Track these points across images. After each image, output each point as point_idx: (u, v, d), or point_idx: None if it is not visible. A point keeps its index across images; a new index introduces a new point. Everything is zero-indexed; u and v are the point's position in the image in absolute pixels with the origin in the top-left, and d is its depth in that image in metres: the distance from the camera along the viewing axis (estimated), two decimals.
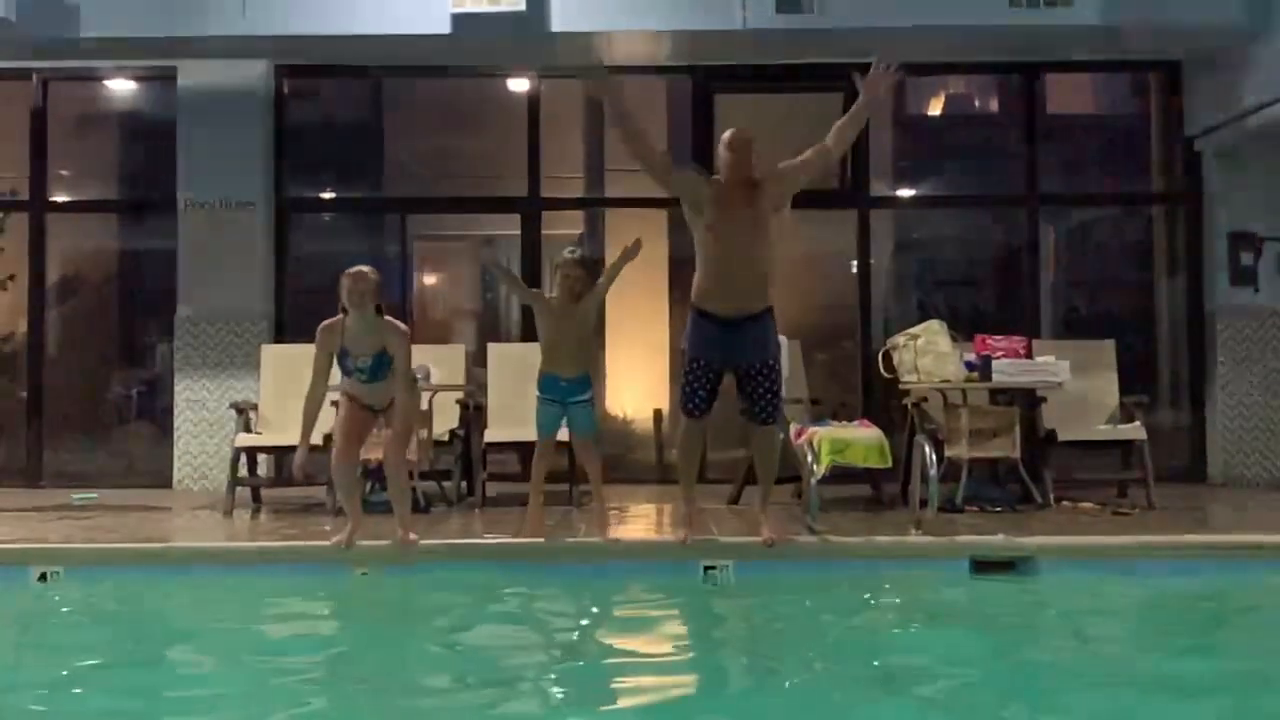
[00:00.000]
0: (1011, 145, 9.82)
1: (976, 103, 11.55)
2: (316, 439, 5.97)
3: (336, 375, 5.96)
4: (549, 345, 6.20)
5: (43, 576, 5.48)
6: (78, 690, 3.92)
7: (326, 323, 5.93)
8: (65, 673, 4.08)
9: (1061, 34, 8.38)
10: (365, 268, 5.93)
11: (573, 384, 6.17)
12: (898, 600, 5.46)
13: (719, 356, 5.61)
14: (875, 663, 4.21)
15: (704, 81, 9.47)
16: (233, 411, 8.09)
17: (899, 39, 8.57)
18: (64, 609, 5.31)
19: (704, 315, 5.57)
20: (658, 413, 10.08)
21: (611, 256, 10.78)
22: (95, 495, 8.45)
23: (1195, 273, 9.43)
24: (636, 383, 10.21)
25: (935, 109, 11.38)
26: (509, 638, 4.68)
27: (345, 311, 5.85)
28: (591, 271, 6.27)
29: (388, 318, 5.95)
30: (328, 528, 7.02)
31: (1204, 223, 9.36)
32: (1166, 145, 9.68)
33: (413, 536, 5.89)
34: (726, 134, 5.56)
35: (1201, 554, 5.68)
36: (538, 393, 6.21)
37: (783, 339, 8.33)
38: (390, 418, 5.95)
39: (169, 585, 5.52)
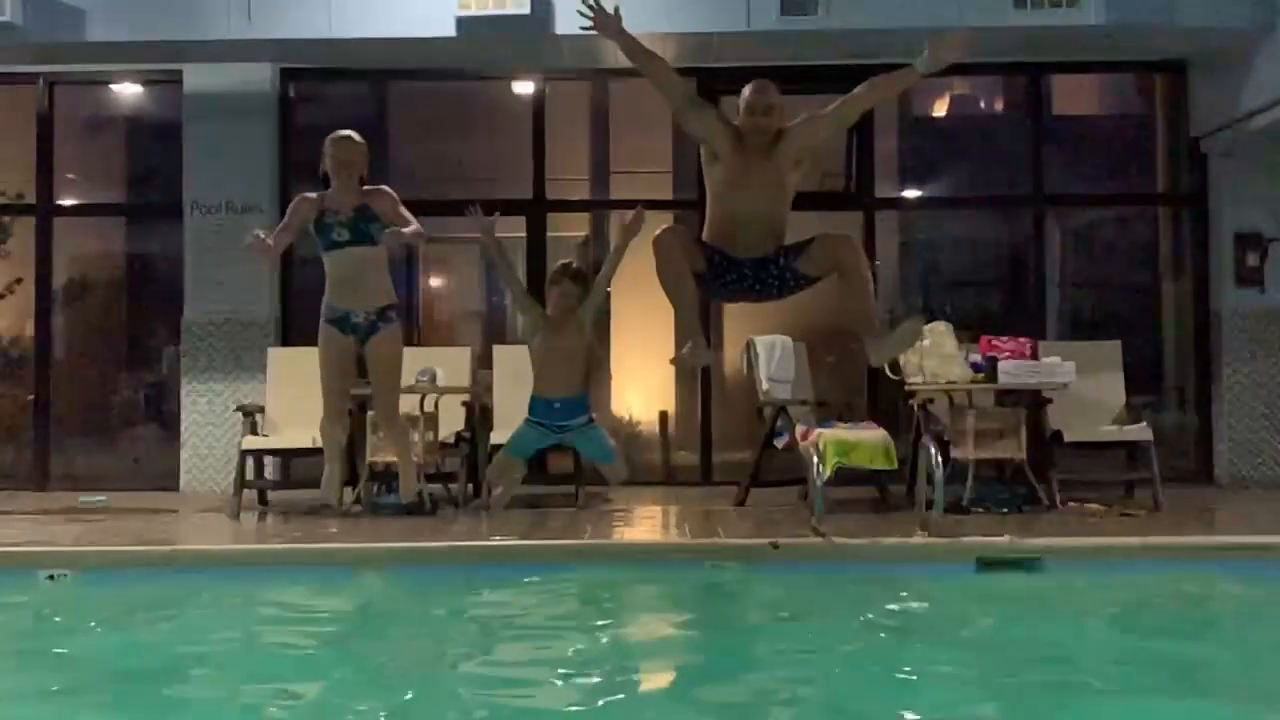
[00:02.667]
0: (1017, 146, 9.81)
1: (981, 103, 11.55)
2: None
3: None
4: (541, 363, 5.52)
5: (51, 578, 5.49)
6: (85, 693, 3.93)
7: (307, 196, 5.65)
8: (73, 675, 4.09)
9: (1067, 34, 8.37)
10: (352, 132, 5.63)
11: (568, 406, 5.47)
12: (903, 602, 5.45)
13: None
14: (881, 664, 4.21)
15: (709, 83, 9.44)
16: (239, 414, 8.10)
17: (905, 40, 8.58)
18: (72, 611, 5.32)
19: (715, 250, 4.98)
20: (664, 414, 10.09)
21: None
22: (103, 498, 8.47)
23: (1201, 273, 9.42)
24: (642, 385, 10.21)
25: (940, 110, 11.38)
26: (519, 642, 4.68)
27: (326, 183, 5.57)
28: (589, 285, 5.65)
29: (371, 186, 5.64)
30: (334, 530, 7.05)
31: (1210, 223, 9.35)
32: (1172, 146, 9.67)
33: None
34: (748, 92, 5.11)
35: (1208, 555, 5.67)
36: (526, 415, 5.56)
37: (789, 340, 8.40)
38: (377, 357, 5.62)
39: (177, 588, 5.52)
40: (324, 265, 5.67)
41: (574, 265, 5.62)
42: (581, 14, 4.94)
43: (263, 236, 5.48)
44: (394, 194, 5.66)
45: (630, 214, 5.57)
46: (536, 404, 5.50)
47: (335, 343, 5.60)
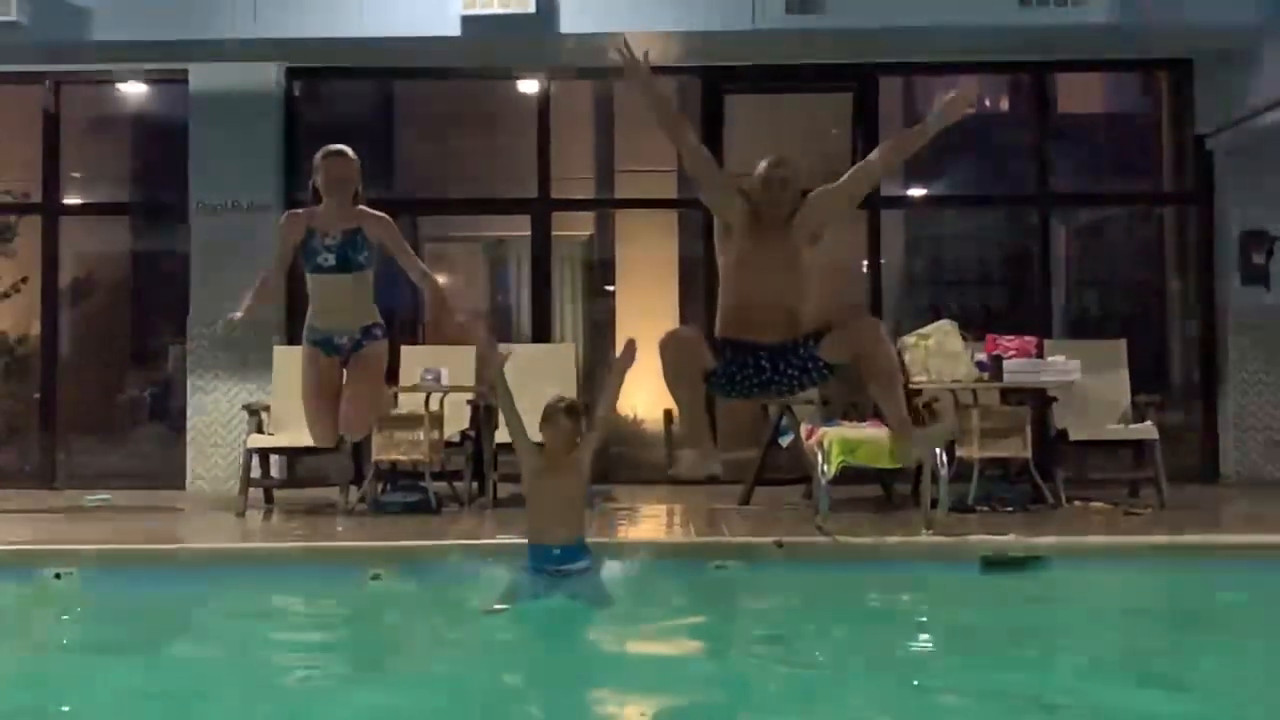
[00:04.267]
0: (1022, 145, 9.81)
1: (987, 102, 11.54)
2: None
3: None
4: (536, 505, 4.92)
5: (56, 576, 5.51)
6: (90, 691, 3.94)
7: (294, 212, 5.35)
8: (78, 673, 4.10)
9: (1072, 33, 8.36)
10: (345, 147, 5.32)
11: (567, 552, 4.86)
12: (908, 601, 5.46)
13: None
14: (887, 662, 4.21)
15: (714, 82, 9.47)
16: (245, 413, 8.11)
17: (910, 38, 8.59)
18: (77, 610, 5.33)
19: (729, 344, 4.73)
20: (668, 413, 10.07)
21: (622, 256, 10.94)
22: (108, 496, 8.49)
23: (1207, 272, 9.40)
24: (646, 383, 10.21)
25: None
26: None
27: (317, 199, 5.27)
28: (583, 419, 5.04)
29: (365, 206, 5.34)
30: (340, 529, 7.06)
31: (1215, 222, 9.34)
32: (1177, 144, 9.65)
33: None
34: (764, 165, 4.82)
35: (1214, 554, 5.67)
36: (524, 562, 4.91)
37: None
38: (359, 364, 5.33)
39: (182, 586, 5.54)
40: (307, 284, 5.43)
41: (567, 402, 5.03)
42: (617, 55, 4.69)
43: (235, 318, 5.39)
44: (392, 222, 5.38)
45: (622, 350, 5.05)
46: (535, 551, 4.86)
47: (318, 364, 5.38)
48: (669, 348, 4.49)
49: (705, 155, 4.92)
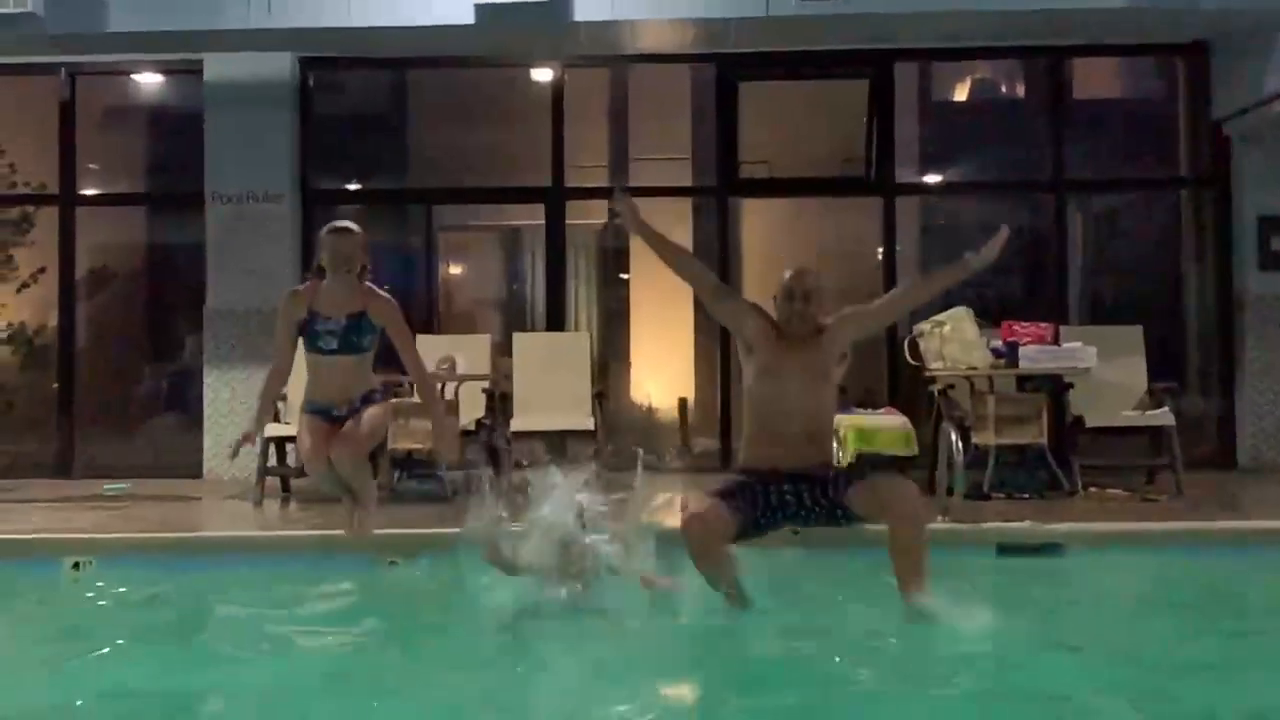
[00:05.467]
0: (1038, 130, 9.77)
1: (1002, 88, 11.49)
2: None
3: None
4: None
5: (75, 566, 5.54)
6: (110, 679, 3.96)
7: (296, 290, 5.21)
8: (97, 662, 4.12)
9: (1088, 17, 8.32)
10: (350, 223, 5.19)
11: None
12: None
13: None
14: (899, 651, 4.21)
15: (728, 69, 9.45)
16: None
17: (925, 24, 8.56)
18: (96, 598, 5.36)
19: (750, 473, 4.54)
20: (682, 401, 10.10)
21: (636, 245, 10.90)
22: (126, 485, 8.54)
23: (1224, 257, 9.36)
24: (661, 371, 10.22)
25: (961, 94, 11.33)
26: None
27: (321, 275, 5.13)
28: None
29: (371, 285, 5.20)
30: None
31: (1232, 207, 9.29)
32: (1194, 129, 9.60)
33: (369, 521, 5.35)
34: (787, 277, 4.65)
35: (1230, 540, 5.65)
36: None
37: None
38: (359, 414, 5.17)
39: (200, 574, 5.56)
40: (305, 358, 5.25)
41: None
42: (610, 212, 4.71)
43: (249, 436, 5.21)
44: (397, 307, 5.22)
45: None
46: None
47: (316, 428, 5.20)
48: (693, 532, 4.27)
49: (714, 283, 4.88)
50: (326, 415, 5.20)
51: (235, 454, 5.28)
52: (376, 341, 5.24)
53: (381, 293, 5.19)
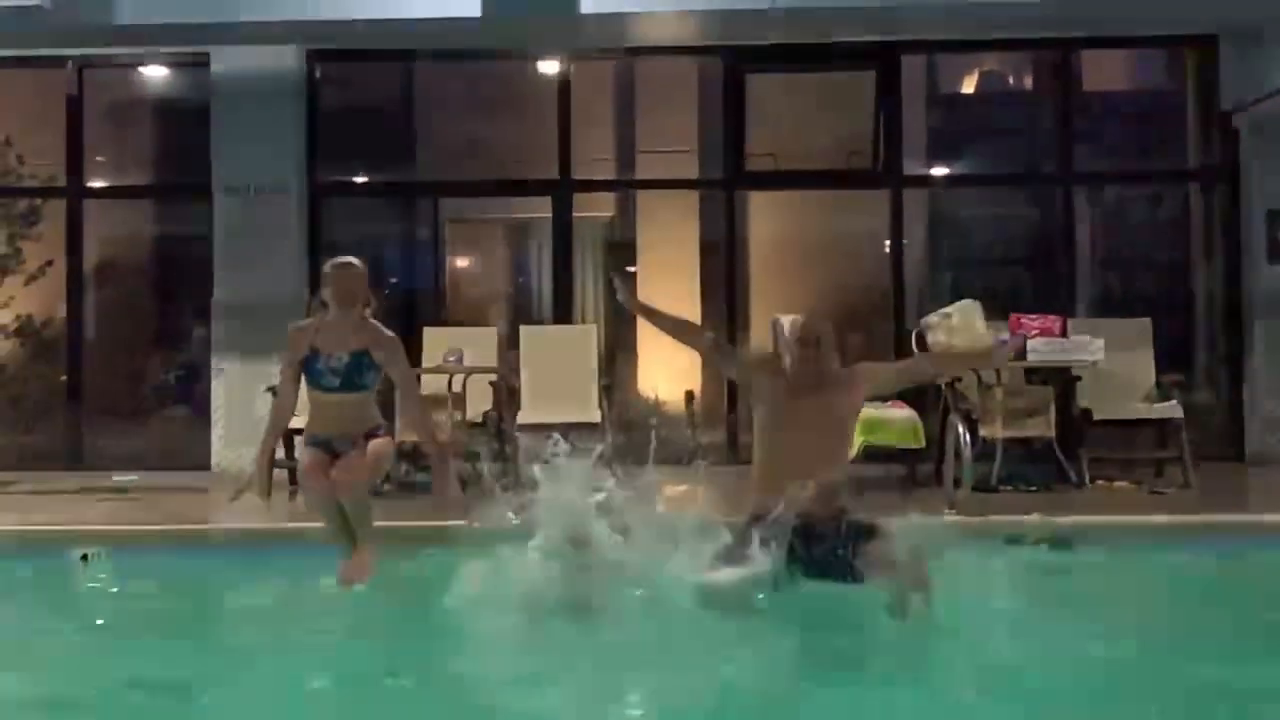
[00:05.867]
0: (1046, 123, 9.75)
1: (1010, 80, 11.46)
2: None
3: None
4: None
5: (84, 557, 5.56)
6: (119, 669, 3.98)
7: (297, 324, 5.20)
8: (106, 652, 4.14)
9: (1097, 8, 8.29)
10: (352, 259, 5.15)
11: None
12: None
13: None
14: (906, 642, 4.21)
15: (735, 61, 9.43)
16: (269, 394, 8.14)
17: (933, 16, 8.53)
18: (105, 590, 5.38)
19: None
20: (689, 394, 10.08)
21: (643, 237, 10.93)
22: (135, 478, 8.55)
23: (1232, 250, 9.32)
24: (667, 365, 10.21)
25: (969, 87, 11.30)
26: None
27: (325, 307, 5.10)
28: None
29: (375, 321, 5.16)
30: None
31: (1241, 199, 9.25)
32: (1203, 121, 9.56)
33: (369, 561, 5.10)
34: (799, 326, 4.77)
35: (1239, 533, 5.65)
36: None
37: None
38: (361, 447, 5.08)
39: (208, 566, 5.58)
40: (308, 393, 5.19)
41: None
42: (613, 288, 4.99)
43: (251, 485, 5.21)
44: (400, 345, 5.19)
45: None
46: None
47: (318, 456, 5.12)
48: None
49: (718, 346, 5.09)
50: (329, 448, 5.13)
51: (236, 499, 5.33)
52: (380, 378, 5.18)
53: (385, 331, 5.16)
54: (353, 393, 5.03)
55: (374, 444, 5.13)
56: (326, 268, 5.16)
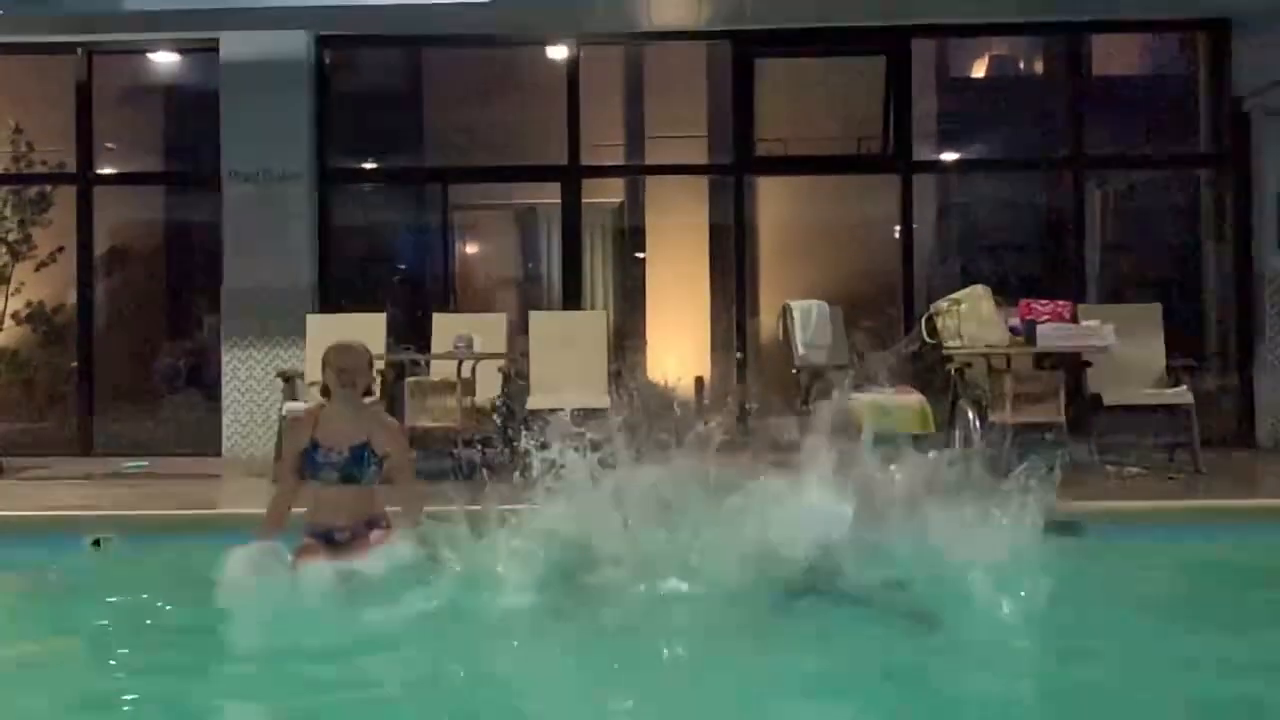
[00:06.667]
0: (1056, 107, 9.71)
1: (1021, 65, 11.42)
2: None
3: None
4: None
5: (95, 543, 5.58)
6: (129, 654, 4.00)
7: (298, 415, 4.99)
8: (117, 637, 4.16)
9: None
10: (353, 341, 4.96)
11: None
12: None
13: None
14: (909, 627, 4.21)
15: (744, 46, 9.41)
16: (280, 380, 8.17)
17: (941, 1, 8.50)
18: (116, 575, 5.40)
19: None
20: (699, 380, 10.08)
21: (652, 223, 10.92)
22: (146, 463, 8.58)
23: (1244, 235, 9.29)
24: (677, 350, 10.22)
25: (979, 71, 11.26)
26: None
27: (327, 395, 4.91)
28: None
29: (378, 409, 5.06)
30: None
31: (1253, 185, 9.21)
32: (1214, 106, 9.52)
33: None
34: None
35: (1249, 518, 5.64)
36: None
37: (825, 305, 8.38)
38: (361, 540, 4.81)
39: (219, 551, 5.58)
40: (307, 484, 4.93)
41: None
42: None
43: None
44: (401, 435, 5.04)
45: None
46: None
47: (315, 550, 4.81)
48: None
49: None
50: (328, 539, 4.90)
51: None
52: (381, 471, 4.91)
53: (388, 419, 5.04)
54: (354, 485, 4.82)
55: (374, 536, 4.85)
56: (327, 350, 4.94)
